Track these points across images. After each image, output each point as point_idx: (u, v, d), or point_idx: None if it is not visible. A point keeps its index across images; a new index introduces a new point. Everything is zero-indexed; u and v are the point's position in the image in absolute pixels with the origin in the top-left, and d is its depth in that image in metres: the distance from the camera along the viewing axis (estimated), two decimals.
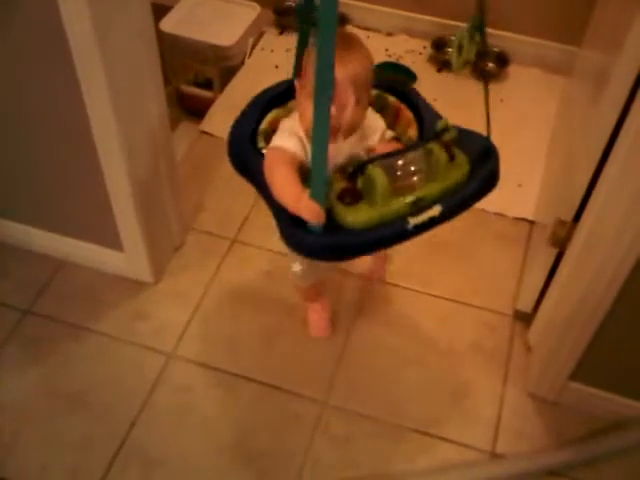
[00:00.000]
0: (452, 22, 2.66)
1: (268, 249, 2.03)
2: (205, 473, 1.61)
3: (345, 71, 1.20)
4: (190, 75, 2.44)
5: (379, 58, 2.61)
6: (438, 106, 1.43)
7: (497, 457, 1.65)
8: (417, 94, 1.46)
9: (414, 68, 2.60)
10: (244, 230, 2.09)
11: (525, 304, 1.85)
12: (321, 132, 1.04)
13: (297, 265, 1.61)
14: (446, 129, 1.23)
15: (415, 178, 1.20)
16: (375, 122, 1.40)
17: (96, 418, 1.69)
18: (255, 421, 1.70)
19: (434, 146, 1.22)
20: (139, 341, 1.84)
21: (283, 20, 2.79)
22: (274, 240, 1.35)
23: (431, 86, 2.53)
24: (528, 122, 2.46)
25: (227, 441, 1.66)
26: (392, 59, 2.66)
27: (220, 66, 2.41)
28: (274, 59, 2.65)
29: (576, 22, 2.34)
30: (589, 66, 1.93)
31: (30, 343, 1.83)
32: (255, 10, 2.54)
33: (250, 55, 2.60)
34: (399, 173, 1.20)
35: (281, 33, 2.79)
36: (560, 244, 1.63)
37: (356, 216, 1.17)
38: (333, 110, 1.07)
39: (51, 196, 1.86)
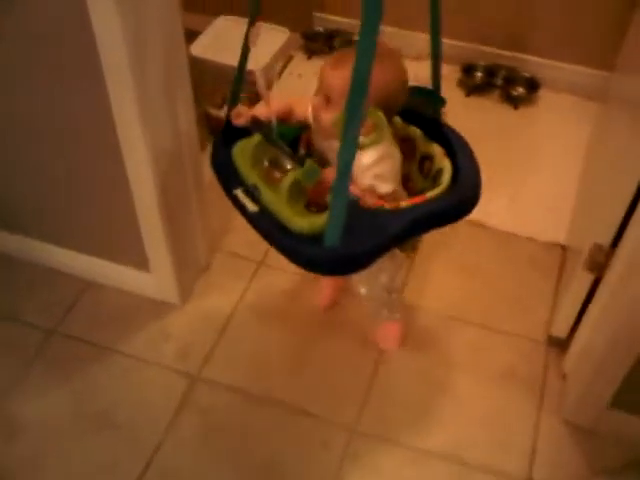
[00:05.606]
0: (481, 47, 2.66)
1: (294, 272, 2.00)
2: None
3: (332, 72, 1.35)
4: (218, 99, 2.45)
5: None
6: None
7: None
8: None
9: (443, 92, 2.59)
10: (271, 253, 2.07)
11: (560, 330, 1.80)
12: None
13: None
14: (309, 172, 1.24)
15: (277, 175, 1.34)
16: None
17: (121, 440, 1.67)
18: (281, 446, 1.67)
19: (291, 174, 1.27)
20: (165, 362, 1.82)
21: (311, 45, 2.80)
22: None
23: (460, 110, 2.49)
24: (558, 147, 2.43)
25: (253, 465, 1.63)
26: (420, 83, 2.65)
27: (248, 90, 2.41)
28: (302, 84, 2.66)
29: (607, 47, 2.34)
30: (624, 91, 1.91)
31: (56, 364, 1.82)
32: (285, 34, 2.56)
33: (279, 79, 2.61)
34: (270, 158, 1.37)
35: (309, 58, 2.80)
36: (597, 270, 1.59)
37: (236, 145, 1.41)
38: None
39: (79, 216, 1.86)
